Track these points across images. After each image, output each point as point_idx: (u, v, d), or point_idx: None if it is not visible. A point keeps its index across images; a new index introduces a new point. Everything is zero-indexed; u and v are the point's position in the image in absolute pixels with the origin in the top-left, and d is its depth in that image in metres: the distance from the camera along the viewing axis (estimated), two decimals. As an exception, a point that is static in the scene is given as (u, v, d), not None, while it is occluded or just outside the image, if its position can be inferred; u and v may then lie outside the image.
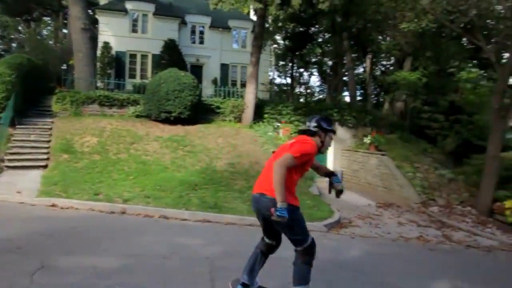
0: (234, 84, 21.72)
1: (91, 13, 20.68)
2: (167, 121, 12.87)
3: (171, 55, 18.62)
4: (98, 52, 18.69)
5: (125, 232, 5.86)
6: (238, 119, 14.37)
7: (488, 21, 13.65)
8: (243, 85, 18.08)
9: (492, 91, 12.12)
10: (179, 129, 12.63)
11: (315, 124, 3.15)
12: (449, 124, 15.05)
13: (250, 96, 14.26)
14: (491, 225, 9.62)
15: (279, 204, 2.77)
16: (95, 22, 20.40)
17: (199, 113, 13.69)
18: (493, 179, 10.27)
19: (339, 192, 3.37)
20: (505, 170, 10.88)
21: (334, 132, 3.26)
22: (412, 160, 13.02)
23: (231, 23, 22.13)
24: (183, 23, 21.28)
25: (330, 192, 3.44)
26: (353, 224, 8.46)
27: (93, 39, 17.37)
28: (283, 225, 2.91)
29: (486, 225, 9.63)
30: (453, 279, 5.22)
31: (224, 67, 21.99)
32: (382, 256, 6.29)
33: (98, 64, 18.26)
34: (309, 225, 7.61)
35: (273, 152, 3.32)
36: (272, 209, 2.81)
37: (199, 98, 13.56)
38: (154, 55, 19.66)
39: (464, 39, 16.90)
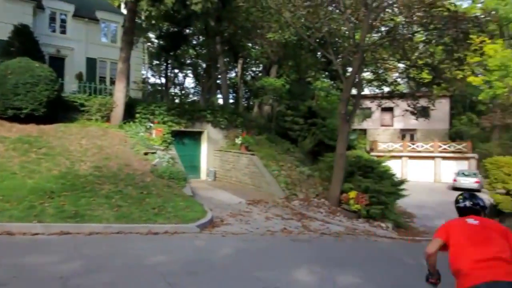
0: (103, 80, 20.00)
1: None
2: (16, 119, 11.10)
3: (22, 42, 15.98)
4: None
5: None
6: (106, 119, 13.35)
7: (336, 39, 16.01)
8: (114, 82, 16.83)
9: (339, 99, 14.20)
10: (32, 129, 11.01)
11: (473, 203, 2.99)
12: (307, 126, 17.12)
13: (120, 94, 13.40)
14: (339, 214, 11.30)
15: None
16: None
17: (59, 110, 12.23)
18: (340, 174, 12.06)
19: None
20: (349, 166, 12.89)
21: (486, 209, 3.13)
22: (278, 159, 14.30)
23: (99, 14, 20.30)
24: (40, 7, 18.54)
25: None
26: (225, 222, 8.80)
27: None
28: None
29: (335, 214, 11.27)
30: (310, 264, 5.99)
31: (91, 62, 20.01)
32: (251, 252, 6.75)
33: None
34: (182, 227, 7.71)
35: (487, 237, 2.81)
36: None
37: (59, 93, 12.12)
38: (0, 41, 16.60)
39: (319, 53, 19.41)
